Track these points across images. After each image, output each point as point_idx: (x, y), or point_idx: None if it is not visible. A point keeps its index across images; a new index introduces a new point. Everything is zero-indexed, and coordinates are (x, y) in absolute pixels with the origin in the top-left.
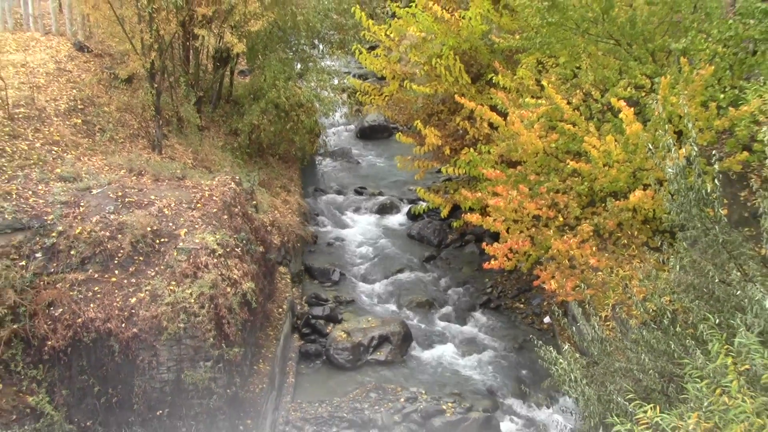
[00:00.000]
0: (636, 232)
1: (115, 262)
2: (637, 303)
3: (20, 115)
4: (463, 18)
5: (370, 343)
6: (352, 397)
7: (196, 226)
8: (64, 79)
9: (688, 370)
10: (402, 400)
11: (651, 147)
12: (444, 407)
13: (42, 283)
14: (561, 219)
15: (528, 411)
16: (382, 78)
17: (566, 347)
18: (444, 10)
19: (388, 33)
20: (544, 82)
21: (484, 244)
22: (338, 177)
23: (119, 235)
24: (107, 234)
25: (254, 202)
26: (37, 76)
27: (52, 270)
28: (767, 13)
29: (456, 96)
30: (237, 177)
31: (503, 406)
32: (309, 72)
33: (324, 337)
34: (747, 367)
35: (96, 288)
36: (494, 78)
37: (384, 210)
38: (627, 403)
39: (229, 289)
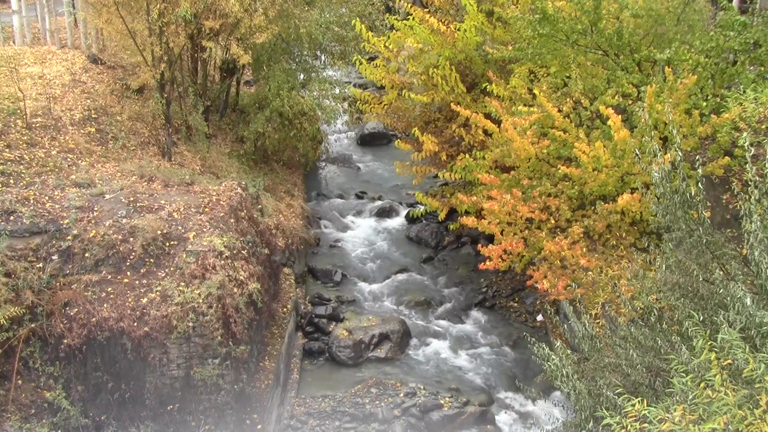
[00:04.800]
0: (624, 234)
1: (128, 264)
2: (625, 301)
3: (37, 125)
4: (459, 30)
5: (371, 341)
6: (353, 393)
7: (204, 230)
8: (79, 90)
9: (674, 365)
10: (401, 395)
11: (638, 152)
12: (442, 402)
13: (58, 284)
14: (553, 221)
15: (522, 405)
16: (382, 87)
17: (558, 344)
18: (440, 23)
19: (387, 44)
20: (535, 91)
21: (479, 245)
22: (340, 182)
23: (131, 238)
24: (120, 237)
25: (260, 206)
26: (54, 87)
27: (68, 271)
28: (746, 25)
29: (452, 104)
30: (243, 182)
31: (498, 401)
32: (311, 82)
33: (327, 335)
34: (729, 361)
35: (109, 289)
36: (488, 87)
37: (383, 213)
38: (616, 397)
39: (235, 290)
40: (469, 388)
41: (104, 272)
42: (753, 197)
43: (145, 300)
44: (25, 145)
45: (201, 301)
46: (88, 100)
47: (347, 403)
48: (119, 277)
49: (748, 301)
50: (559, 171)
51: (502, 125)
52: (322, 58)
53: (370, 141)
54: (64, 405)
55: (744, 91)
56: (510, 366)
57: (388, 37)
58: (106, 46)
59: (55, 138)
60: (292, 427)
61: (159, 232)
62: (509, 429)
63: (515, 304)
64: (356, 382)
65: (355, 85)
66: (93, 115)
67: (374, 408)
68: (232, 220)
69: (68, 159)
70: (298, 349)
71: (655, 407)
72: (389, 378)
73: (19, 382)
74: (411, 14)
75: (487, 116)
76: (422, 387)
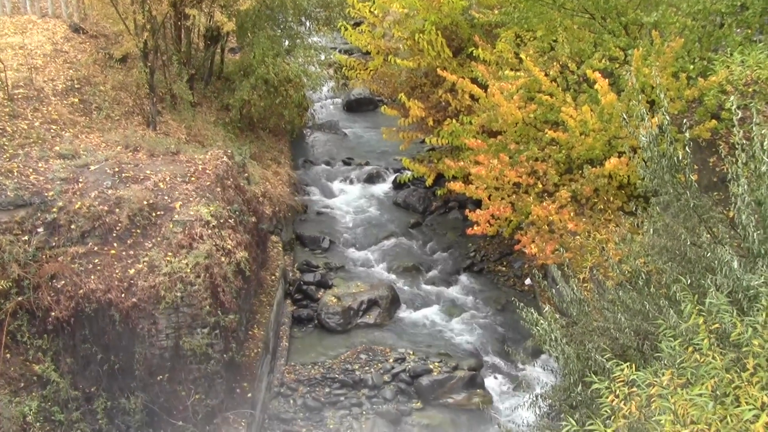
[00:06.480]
0: (611, 198)
1: (114, 235)
2: (613, 265)
3: (19, 96)
4: None
5: (360, 307)
6: (343, 359)
7: (191, 199)
8: (61, 60)
9: (663, 329)
10: (391, 360)
11: (625, 116)
12: (431, 366)
13: (44, 256)
14: (540, 186)
15: (511, 369)
16: (367, 53)
17: (547, 308)
18: None
19: (372, 10)
20: (522, 55)
21: (467, 210)
22: (326, 148)
23: (117, 209)
24: (105, 208)
25: (246, 174)
26: (35, 57)
27: (54, 244)
28: None
29: (438, 69)
30: (229, 151)
31: (487, 365)
32: (296, 48)
33: (315, 302)
34: (717, 326)
35: (96, 260)
36: (475, 52)
37: (371, 179)
38: (605, 361)
39: (223, 259)
40: (458, 352)
41: (90, 244)
42: (740, 160)
43: (132, 271)
44: (7, 116)
45: (189, 270)
46: (71, 70)
47: (337, 369)
48: (106, 248)
49: (735, 264)
50: (547, 135)
51: (488, 90)
52: (307, 24)
53: (356, 107)
54: (53, 377)
55: (731, 54)
56: (499, 330)
57: (374, 2)
58: (87, 15)
59: (37, 109)
60: (282, 394)
61: (145, 202)
62: (498, 393)
63: (503, 269)
64: (346, 349)
65: (340, 51)
66: (76, 86)
67: (364, 374)
68: (219, 189)
69: (52, 130)
70: (287, 316)
71: (643, 371)
72: (378, 344)
73: (8, 355)
74: None
75: (474, 81)
76: (411, 352)
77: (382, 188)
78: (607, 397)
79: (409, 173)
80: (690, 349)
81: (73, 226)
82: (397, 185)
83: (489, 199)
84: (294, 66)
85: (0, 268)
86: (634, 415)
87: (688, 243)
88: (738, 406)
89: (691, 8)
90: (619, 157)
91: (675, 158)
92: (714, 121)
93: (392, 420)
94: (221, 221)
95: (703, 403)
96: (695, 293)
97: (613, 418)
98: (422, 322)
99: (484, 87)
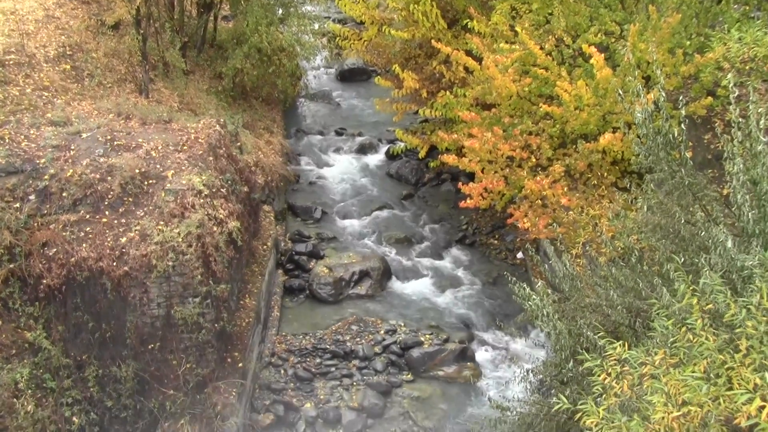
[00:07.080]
0: (605, 173)
1: (106, 203)
2: (606, 241)
3: (11, 62)
4: None
5: (351, 278)
6: (334, 330)
7: (183, 168)
8: (53, 26)
9: (656, 309)
10: (382, 332)
11: (620, 92)
12: (422, 339)
13: (36, 224)
14: (534, 160)
15: (502, 342)
16: (361, 23)
17: (539, 283)
18: None
19: None
20: (517, 28)
21: (460, 183)
22: (319, 118)
23: (109, 177)
24: (97, 176)
25: (238, 143)
26: (27, 23)
27: (46, 211)
28: None
29: (433, 41)
30: (222, 119)
31: (478, 338)
32: (290, 17)
33: (307, 272)
34: (710, 306)
35: (88, 228)
36: (469, 24)
37: (363, 150)
38: (597, 338)
39: (215, 228)
40: (449, 325)
41: (82, 212)
42: (736, 139)
43: (124, 239)
44: None
45: (180, 240)
46: (63, 37)
47: (328, 340)
48: (98, 216)
49: (730, 243)
50: (541, 109)
51: (483, 62)
52: None
53: (349, 77)
54: (44, 345)
55: (728, 31)
56: (490, 303)
57: None
58: None
59: (29, 75)
60: (273, 364)
61: (137, 170)
62: (489, 366)
63: (495, 242)
64: (337, 320)
65: (334, 21)
66: (68, 52)
67: (355, 345)
68: (211, 158)
69: (43, 97)
70: (278, 286)
71: (635, 350)
72: (370, 315)
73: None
74: None
75: (468, 53)
76: (402, 324)
77: (375, 159)
78: (598, 375)
79: (402, 145)
80: (683, 328)
81: (64, 194)
82: (390, 156)
83: (482, 172)
84: (287, 35)
85: None
86: (625, 394)
87: (682, 221)
88: (730, 388)
89: None
90: (614, 132)
91: (670, 135)
92: (710, 98)
93: (383, 391)
94: (213, 190)
95: (695, 384)
96: (689, 272)
97: (604, 396)
98: (413, 294)
99: (479, 59)
